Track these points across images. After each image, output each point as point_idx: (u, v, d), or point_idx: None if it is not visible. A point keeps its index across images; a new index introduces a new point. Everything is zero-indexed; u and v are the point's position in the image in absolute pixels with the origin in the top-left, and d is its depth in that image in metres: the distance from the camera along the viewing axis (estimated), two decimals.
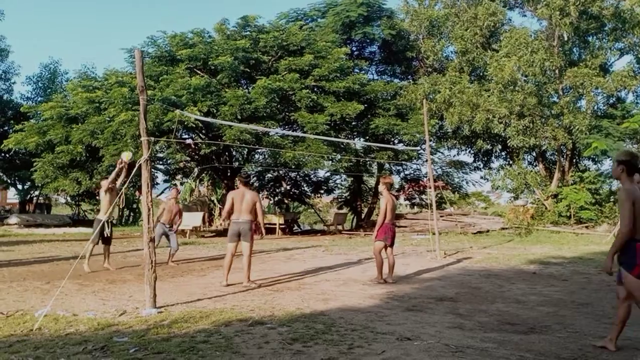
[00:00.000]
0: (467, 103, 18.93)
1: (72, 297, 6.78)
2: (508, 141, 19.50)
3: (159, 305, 5.97)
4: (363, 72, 22.51)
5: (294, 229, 23.39)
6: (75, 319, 5.51)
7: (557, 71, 18.86)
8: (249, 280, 7.72)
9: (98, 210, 13.02)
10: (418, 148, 20.58)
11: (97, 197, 28.96)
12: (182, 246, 14.70)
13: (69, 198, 31.04)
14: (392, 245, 8.23)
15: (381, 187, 8.29)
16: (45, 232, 19.80)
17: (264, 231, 8.19)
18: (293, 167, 18.05)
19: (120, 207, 28.35)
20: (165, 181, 27.06)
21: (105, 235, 9.37)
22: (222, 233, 19.77)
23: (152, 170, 11.31)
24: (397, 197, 29.01)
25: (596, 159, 21.35)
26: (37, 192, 30.60)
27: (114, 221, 13.06)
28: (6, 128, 27.28)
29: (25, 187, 30.23)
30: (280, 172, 22.75)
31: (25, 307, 6.14)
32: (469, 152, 24.21)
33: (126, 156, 9.39)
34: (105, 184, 9.55)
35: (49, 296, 6.44)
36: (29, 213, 29.13)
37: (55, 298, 6.04)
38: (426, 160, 15.80)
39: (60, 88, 28.06)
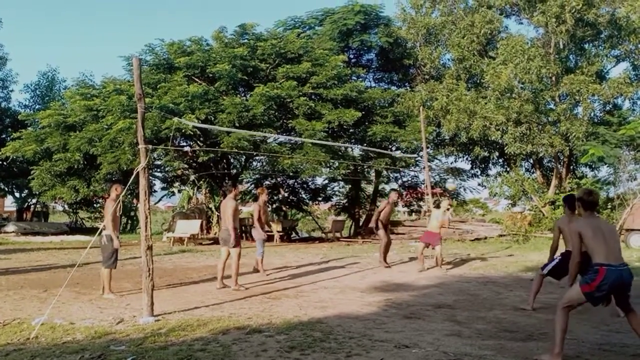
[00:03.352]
0: (464, 110, 18.98)
1: (70, 305, 6.76)
2: (505, 148, 19.54)
3: (156, 313, 5.96)
4: (360, 79, 22.54)
5: (292, 236, 23.35)
6: (72, 327, 5.49)
7: (553, 78, 18.94)
8: (223, 284, 8.15)
9: (96, 219, 12.95)
10: (415, 155, 20.59)
11: (95, 205, 28.97)
12: (179, 254, 14.71)
13: (66, 206, 30.91)
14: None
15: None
16: (43, 240, 19.72)
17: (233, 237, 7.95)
18: (291, 174, 18.04)
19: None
20: (163, 189, 27.02)
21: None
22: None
23: (150, 177, 11.33)
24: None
25: (593, 166, 21.38)
26: (34, 200, 30.50)
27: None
28: (4, 136, 27.20)
29: (23, 195, 30.11)
30: (278, 179, 22.73)
31: (22, 315, 6.12)
32: (467, 159, 24.24)
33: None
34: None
35: (46, 304, 6.41)
36: (26, 221, 28.99)
37: (53, 306, 6.02)
38: (424, 167, 15.83)
39: (58, 96, 28.00)
